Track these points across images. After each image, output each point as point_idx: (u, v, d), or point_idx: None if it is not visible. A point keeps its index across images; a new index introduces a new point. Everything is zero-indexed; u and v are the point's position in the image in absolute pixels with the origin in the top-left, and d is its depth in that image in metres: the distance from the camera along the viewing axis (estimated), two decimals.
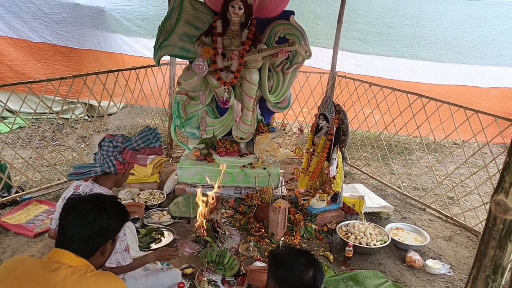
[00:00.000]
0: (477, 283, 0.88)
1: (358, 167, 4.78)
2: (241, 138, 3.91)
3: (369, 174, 4.57)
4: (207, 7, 3.72)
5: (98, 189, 2.07)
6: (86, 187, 2.06)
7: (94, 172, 2.15)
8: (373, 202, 3.63)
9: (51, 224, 2.30)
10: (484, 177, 4.36)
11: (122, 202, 1.69)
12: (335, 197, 3.50)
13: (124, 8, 6.04)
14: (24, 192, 3.61)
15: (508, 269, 0.89)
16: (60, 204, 2.18)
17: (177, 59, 4.58)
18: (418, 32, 5.96)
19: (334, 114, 3.30)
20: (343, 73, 4.86)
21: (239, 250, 2.95)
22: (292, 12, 3.74)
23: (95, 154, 2.28)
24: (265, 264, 2.76)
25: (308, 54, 3.59)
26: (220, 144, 3.91)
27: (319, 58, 5.78)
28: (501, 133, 3.24)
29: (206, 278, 2.50)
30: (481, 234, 0.96)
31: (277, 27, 3.73)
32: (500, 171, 0.92)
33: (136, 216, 3.18)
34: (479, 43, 6.01)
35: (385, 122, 4.39)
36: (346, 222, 3.28)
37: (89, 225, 1.36)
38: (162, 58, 3.79)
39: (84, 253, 1.35)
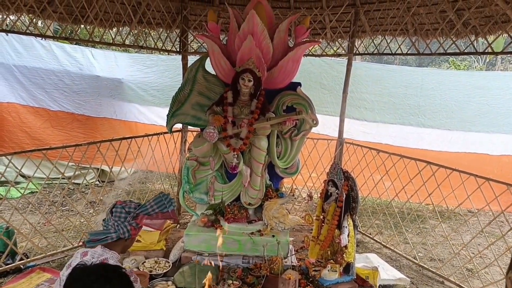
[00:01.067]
0: None
1: (371, 236, 4.63)
2: (249, 204, 3.87)
3: (382, 243, 4.41)
4: (219, 79, 3.93)
5: (108, 253, 2.07)
6: (94, 253, 2.04)
7: (111, 239, 2.19)
8: (388, 274, 3.47)
9: None
10: (503, 247, 4.16)
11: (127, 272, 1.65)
12: (347, 268, 3.34)
13: (140, 80, 6.42)
14: (28, 260, 3.55)
15: None
16: (64, 272, 2.13)
17: (189, 127, 4.75)
18: (422, 101, 6.14)
19: (343, 180, 3.29)
20: (351, 140, 4.94)
21: None
22: (299, 84, 3.92)
23: (103, 220, 2.30)
24: None
25: (315, 123, 3.69)
26: (228, 210, 3.86)
27: (325, 125, 5.92)
28: None
29: None
30: None
31: (285, 97, 3.88)
32: None
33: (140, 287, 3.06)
34: (485, 112, 6.14)
35: (395, 189, 4.34)
36: None
37: None
38: (174, 126, 3.95)
39: None
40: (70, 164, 4.09)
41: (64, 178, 4.05)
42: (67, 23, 3.78)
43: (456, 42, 3.70)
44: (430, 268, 3.83)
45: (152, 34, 4.58)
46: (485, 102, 6.04)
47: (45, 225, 4.55)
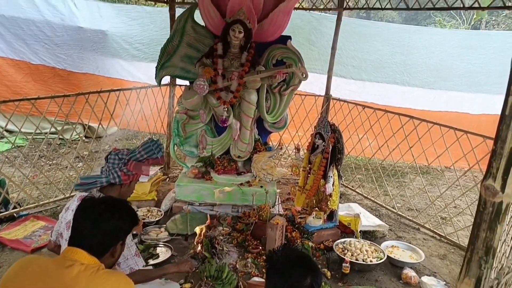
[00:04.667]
0: (471, 265, 0.95)
1: (353, 188, 4.85)
2: (238, 157, 3.98)
3: (364, 194, 4.64)
4: (208, 30, 3.89)
5: None
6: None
7: (100, 183, 2.24)
8: (369, 221, 3.69)
9: (51, 236, 2.32)
10: (475, 198, 4.44)
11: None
12: (331, 215, 3.54)
13: (125, 32, 6.22)
14: (21, 208, 3.61)
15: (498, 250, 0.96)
16: (63, 214, 2.21)
17: (177, 81, 4.72)
18: (408, 59, 6.20)
19: (330, 133, 3.41)
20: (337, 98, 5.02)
21: (237, 266, 2.96)
22: (289, 37, 3.91)
23: (102, 167, 2.36)
24: (263, 280, 2.77)
25: (304, 76, 3.74)
26: (218, 162, 3.97)
27: (313, 83, 5.93)
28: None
29: None
30: (473, 219, 1.04)
31: (275, 51, 3.89)
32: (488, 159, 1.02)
33: (134, 233, 3.19)
34: (468, 71, 6.26)
35: (378, 144, 4.51)
36: (343, 240, 3.32)
37: (103, 224, 1.41)
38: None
39: (96, 253, 1.39)
40: (56, 119, 4.07)
41: (52, 133, 4.03)
42: None
43: None
44: (407, 217, 4.08)
45: None
46: (469, 62, 6.15)
47: (33, 178, 4.57)
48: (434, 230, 3.80)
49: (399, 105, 6.28)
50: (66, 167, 4.70)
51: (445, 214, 4.16)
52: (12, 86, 6.11)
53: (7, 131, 4.60)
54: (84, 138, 5.85)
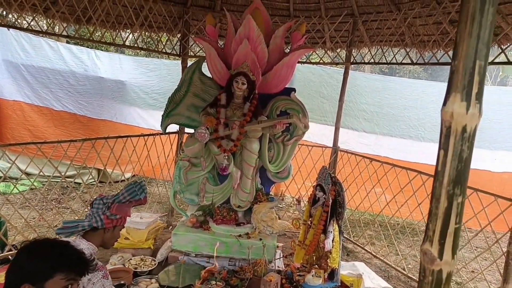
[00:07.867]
0: None
1: (362, 245, 4.59)
2: (239, 206, 3.89)
3: (373, 253, 4.37)
4: (215, 82, 3.99)
5: (85, 244, 2.10)
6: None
7: (82, 227, 2.21)
8: (373, 282, 3.43)
9: None
10: (490, 259, 4.09)
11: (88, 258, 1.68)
12: (332, 274, 3.31)
13: (143, 83, 6.52)
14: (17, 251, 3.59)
15: None
16: None
17: (186, 129, 4.81)
18: (422, 114, 6.11)
19: (330, 185, 3.29)
20: (350, 151, 4.91)
21: None
22: (293, 89, 3.95)
23: (86, 213, 2.35)
24: None
25: (305, 127, 3.72)
26: (218, 211, 3.89)
27: (324, 135, 5.90)
28: (502, 214, 3.12)
29: None
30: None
31: (279, 102, 3.91)
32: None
33: (122, 282, 3.08)
34: (486, 127, 6.05)
35: (386, 199, 4.32)
36: None
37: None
38: (170, 129, 4.01)
39: None
40: (68, 163, 4.17)
41: (60, 177, 4.12)
42: (69, 22, 3.89)
43: (449, 53, 3.71)
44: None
45: (153, 38, 4.68)
46: (486, 117, 5.95)
47: (39, 221, 4.61)
48: None
49: (415, 160, 6.09)
50: (72, 211, 4.73)
51: (459, 278, 3.82)
52: (34, 131, 6.40)
53: (27, 174, 4.75)
54: (94, 183, 5.94)
